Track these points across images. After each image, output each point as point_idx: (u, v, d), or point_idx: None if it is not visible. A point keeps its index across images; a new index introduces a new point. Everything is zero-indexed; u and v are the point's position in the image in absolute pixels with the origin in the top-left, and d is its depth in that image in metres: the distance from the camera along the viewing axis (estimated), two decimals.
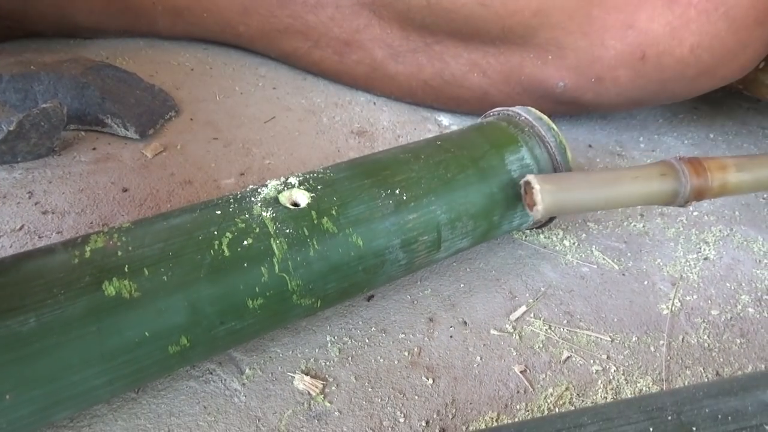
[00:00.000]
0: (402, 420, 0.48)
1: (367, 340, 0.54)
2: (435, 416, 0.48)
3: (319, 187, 0.50)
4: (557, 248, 0.67)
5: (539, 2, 0.69)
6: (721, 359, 0.56)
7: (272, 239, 0.46)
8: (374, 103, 0.92)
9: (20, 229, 0.61)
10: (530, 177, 0.53)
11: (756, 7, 0.65)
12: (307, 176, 0.52)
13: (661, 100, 0.77)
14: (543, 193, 0.52)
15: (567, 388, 0.52)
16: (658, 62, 0.70)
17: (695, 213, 0.76)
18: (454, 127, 0.88)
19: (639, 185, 0.55)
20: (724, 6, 0.65)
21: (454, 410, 0.49)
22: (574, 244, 0.68)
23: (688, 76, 0.71)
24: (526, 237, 0.69)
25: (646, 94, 0.74)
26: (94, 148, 0.75)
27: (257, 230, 0.46)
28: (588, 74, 0.74)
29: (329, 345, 0.53)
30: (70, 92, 0.76)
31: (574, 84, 0.75)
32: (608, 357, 0.55)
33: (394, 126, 0.87)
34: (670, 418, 0.39)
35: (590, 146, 0.87)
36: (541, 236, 0.69)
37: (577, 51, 0.72)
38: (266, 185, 0.50)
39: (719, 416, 0.39)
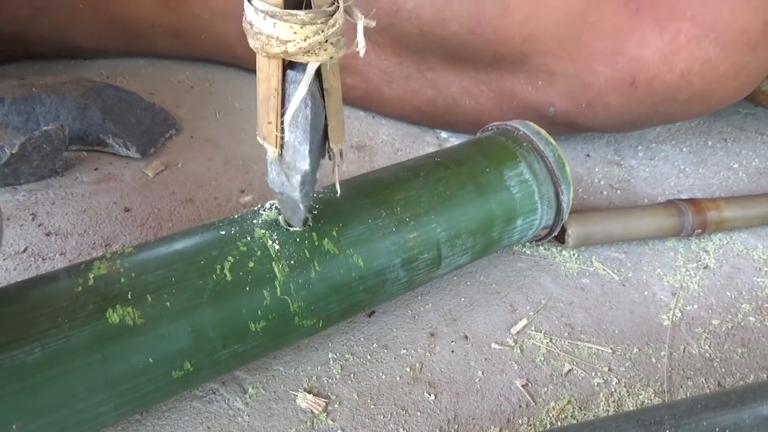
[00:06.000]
0: None
1: (368, 357, 0.55)
2: None
3: (319, 206, 0.51)
4: (557, 260, 0.68)
5: (529, 29, 0.70)
6: (723, 369, 0.56)
7: (274, 262, 0.46)
8: (372, 117, 0.92)
9: (24, 251, 0.62)
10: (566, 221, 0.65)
11: (748, 31, 0.65)
12: None
13: (654, 122, 0.77)
14: (573, 228, 0.66)
15: (569, 402, 0.52)
16: (648, 87, 0.70)
17: None
18: (453, 140, 0.89)
19: (651, 221, 0.69)
20: (715, 32, 0.65)
21: (456, 426, 0.49)
22: (573, 255, 0.69)
23: (680, 101, 0.71)
24: (526, 249, 0.69)
25: (638, 117, 0.75)
26: (95, 169, 0.75)
27: (259, 253, 0.46)
28: (578, 100, 0.74)
29: (331, 362, 0.54)
30: (72, 113, 0.77)
31: (565, 109, 0.76)
32: (610, 369, 0.55)
33: (393, 139, 0.88)
34: (668, 431, 0.39)
35: (588, 156, 0.87)
36: (541, 248, 0.69)
37: (567, 77, 0.73)
38: (266, 207, 0.50)
39: (717, 429, 0.39)
